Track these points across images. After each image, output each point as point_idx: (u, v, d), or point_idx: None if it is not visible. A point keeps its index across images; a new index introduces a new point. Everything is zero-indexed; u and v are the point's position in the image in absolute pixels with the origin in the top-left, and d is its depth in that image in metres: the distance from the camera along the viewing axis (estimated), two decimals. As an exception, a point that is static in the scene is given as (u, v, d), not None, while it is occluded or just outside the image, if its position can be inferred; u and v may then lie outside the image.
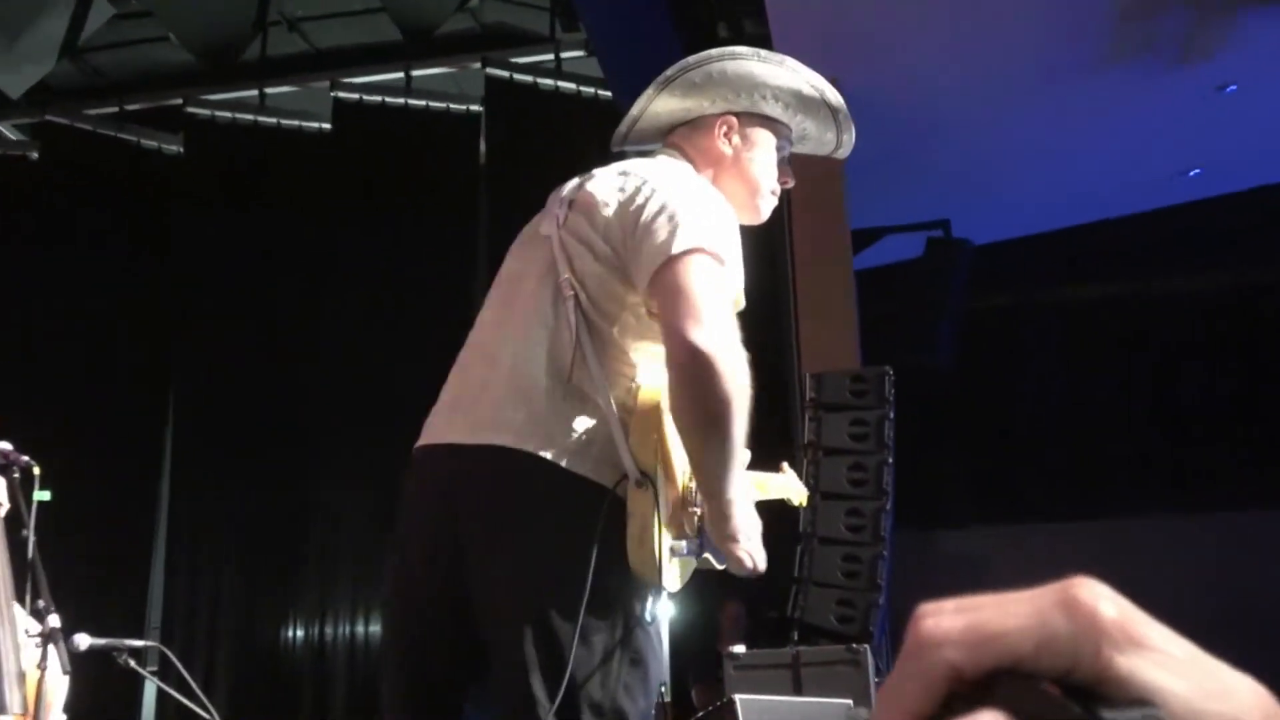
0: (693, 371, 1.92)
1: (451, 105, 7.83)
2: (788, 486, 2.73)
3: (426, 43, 7.39)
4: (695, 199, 2.09)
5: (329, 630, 7.18)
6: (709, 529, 2.05)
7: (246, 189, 7.84)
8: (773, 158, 2.34)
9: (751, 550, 2.06)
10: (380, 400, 7.15)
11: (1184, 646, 0.39)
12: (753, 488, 2.31)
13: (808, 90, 2.32)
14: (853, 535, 5.81)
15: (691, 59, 2.29)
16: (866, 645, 5.31)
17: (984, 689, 0.38)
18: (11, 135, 8.15)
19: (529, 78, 7.63)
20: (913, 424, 6.25)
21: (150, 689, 6.78)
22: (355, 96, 7.78)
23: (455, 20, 7.33)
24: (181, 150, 7.99)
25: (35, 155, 8.07)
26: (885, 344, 7.20)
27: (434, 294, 7.36)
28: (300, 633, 7.21)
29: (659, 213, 2.04)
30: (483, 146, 7.83)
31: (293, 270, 7.70)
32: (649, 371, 2.06)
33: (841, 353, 6.45)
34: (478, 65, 7.65)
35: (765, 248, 6.77)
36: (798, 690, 5.19)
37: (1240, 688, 0.39)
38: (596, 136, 7.68)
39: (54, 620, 3.30)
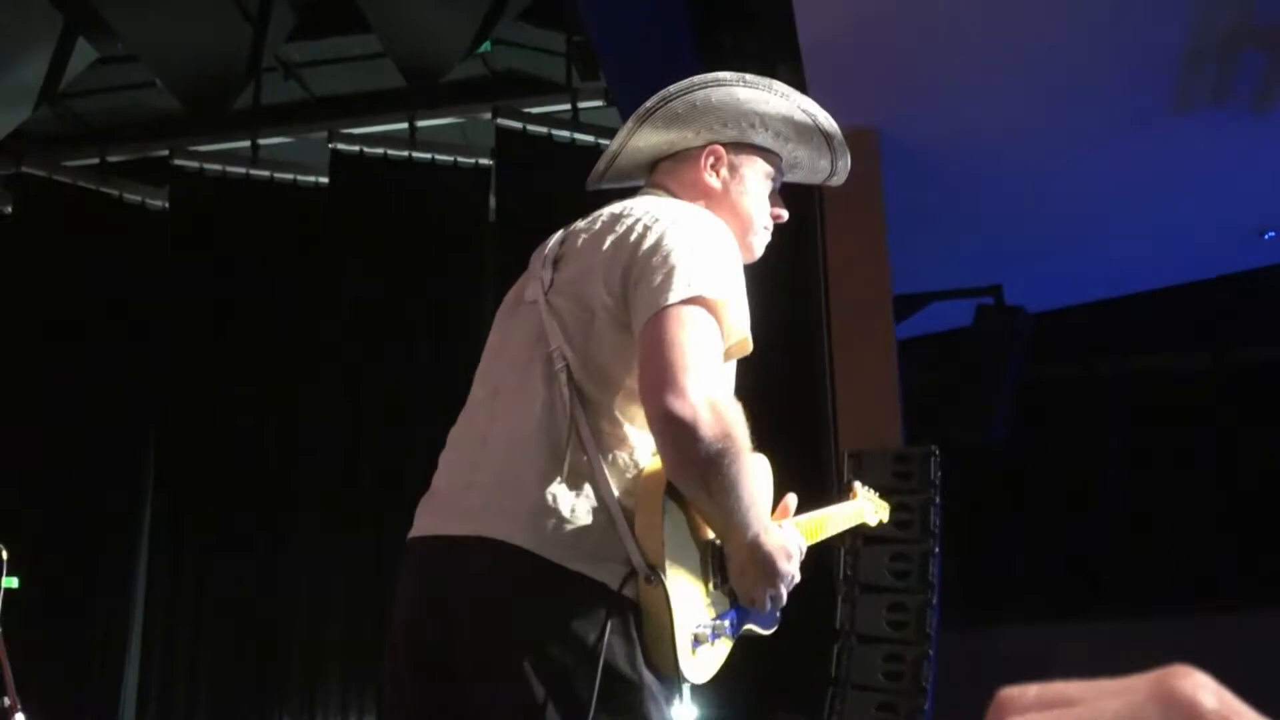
0: (671, 437, 1.92)
1: (459, 158, 7.88)
2: (860, 511, 2.72)
3: (433, 90, 7.46)
4: (696, 235, 2.07)
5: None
6: (736, 584, 2.05)
7: (236, 247, 7.88)
8: (765, 189, 2.34)
9: (778, 594, 2.07)
10: (377, 475, 7.14)
11: None
12: (805, 534, 2.30)
13: (799, 116, 2.31)
14: (895, 632, 5.73)
15: (673, 88, 2.29)
16: (911, 756, 5.24)
17: None
18: (-18, 188, 8.24)
19: (543, 129, 7.68)
20: (964, 509, 6.20)
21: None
22: (355, 148, 7.84)
23: (464, 67, 7.40)
24: (167, 205, 8.05)
25: (9, 209, 8.15)
26: (933, 421, 7.15)
27: (438, 363, 7.37)
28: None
29: (654, 254, 2.03)
30: (492, 202, 7.87)
31: (284, 336, 7.73)
32: (642, 437, 2.04)
33: (883, 430, 6.40)
34: (488, 115, 7.70)
35: (800, 313, 6.77)
36: (834, 802, 5.11)
37: None
38: (618, 192, 7.75)
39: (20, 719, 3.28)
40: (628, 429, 2.02)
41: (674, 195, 2.28)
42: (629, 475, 2.00)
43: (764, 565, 2.01)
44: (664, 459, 1.96)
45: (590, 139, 7.70)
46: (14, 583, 3.75)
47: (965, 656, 6.82)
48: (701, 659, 1.98)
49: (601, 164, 2.40)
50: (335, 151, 7.81)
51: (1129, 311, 8.93)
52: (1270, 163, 7.25)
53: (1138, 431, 9.31)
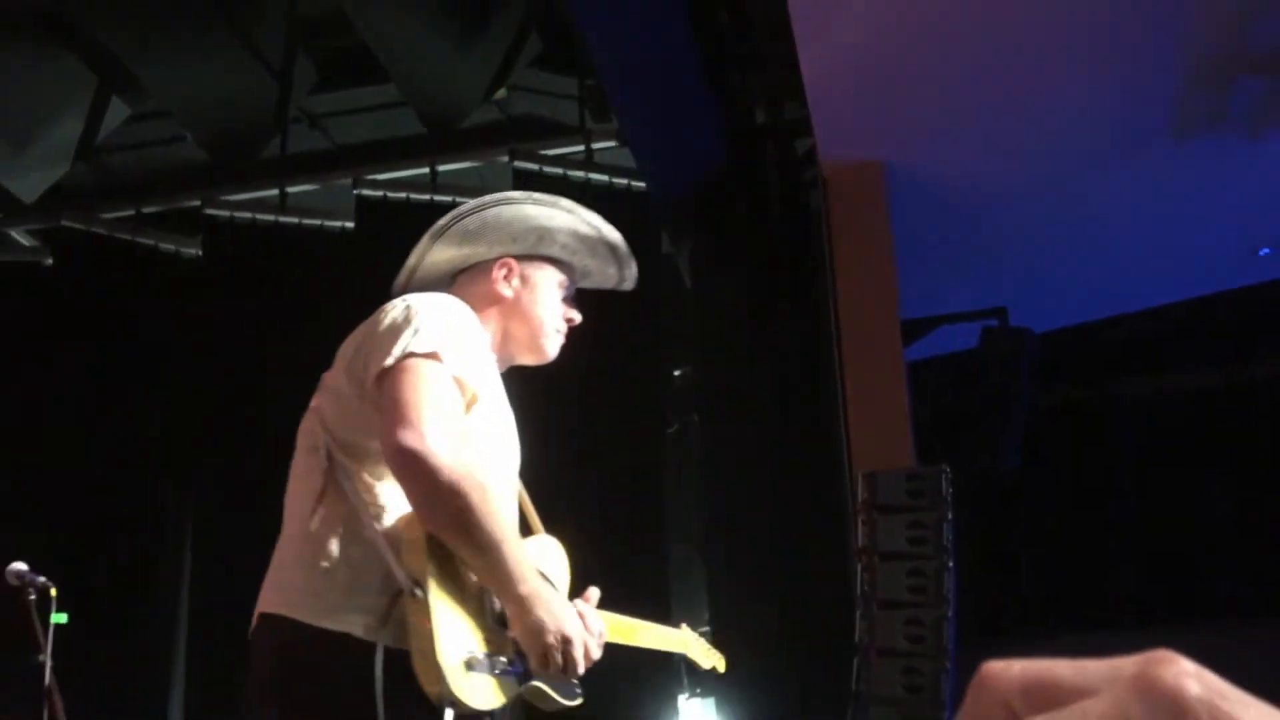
0: (409, 473, 2.01)
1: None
2: (684, 643, 2.84)
3: (451, 136, 7.60)
4: (426, 309, 2.20)
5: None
6: (517, 636, 2.10)
7: (268, 291, 8.01)
8: (556, 296, 2.50)
9: (563, 650, 2.09)
10: None
11: None
12: (620, 631, 2.45)
13: (585, 229, 2.50)
14: (913, 646, 5.79)
15: (465, 207, 2.43)
16: (932, 765, 5.29)
17: None
18: (24, 241, 8.40)
19: (559, 170, 7.82)
20: (977, 529, 6.26)
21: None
22: (379, 193, 7.97)
23: (481, 112, 7.54)
24: (200, 253, 8.19)
25: (49, 261, 8.30)
26: (943, 443, 7.23)
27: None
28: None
29: (387, 330, 2.18)
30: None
31: (317, 375, 7.83)
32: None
33: (895, 451, 6.49)
34: (505, 158, 7.84)
35: (812, 340, 6.87)
36: (858, 813, 5.16)
37: None
38: (630, 229, 7.87)
39: (73, 750, 3.36)
40: (380, 488, 2.12)
41: (471, 306, 2.38)
42: (391, 525, 2.09)
43: (529, 627, 2.07)
44: (410, 498, 2.05)
45: (605, 178, 7.84)
46: (63, 618, 3.83)
47: (972, 670, 6.87)
48: (478, 684, 2.01)
49: (402, 276, 2.49)
50: (360, 197, 7.94)
51: (1133, 329, 8.99)
52: (1264, 183, 7.33)
53: (1146, 447, 9.34)
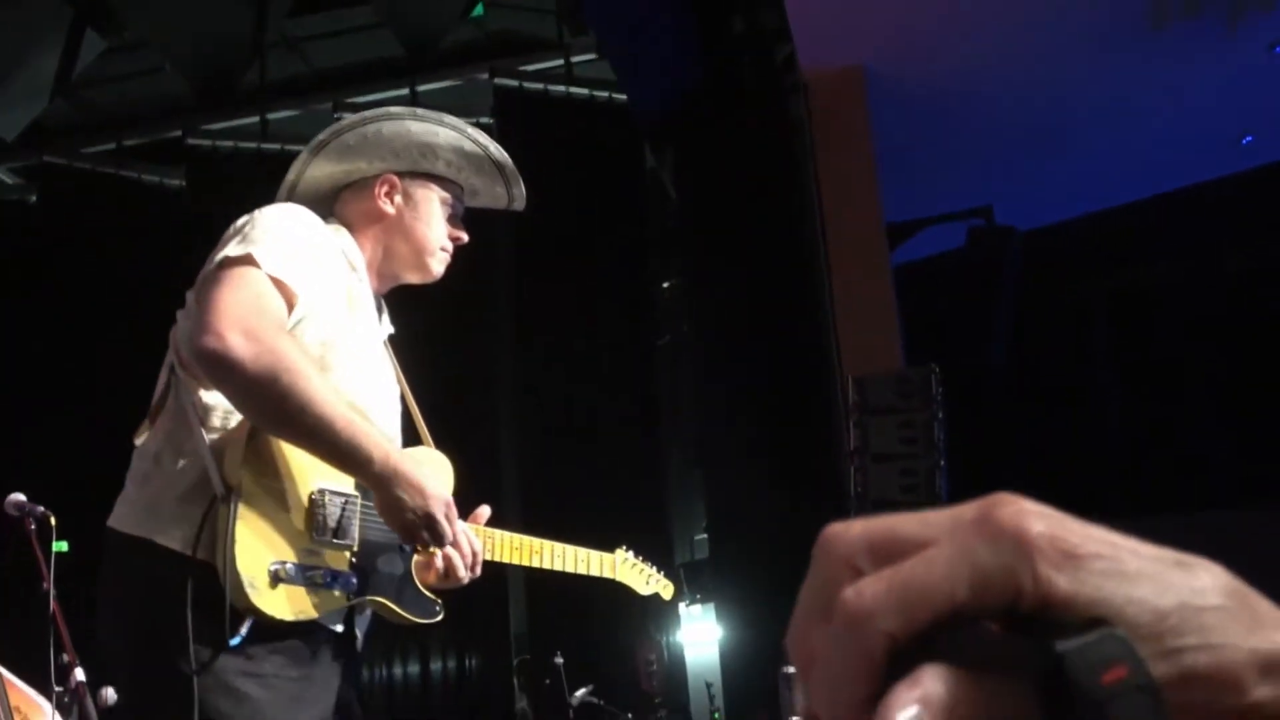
0: (215, 377, 1.98)
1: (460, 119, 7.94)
2: (613, 565, 2.76)
3: (430, 56, 7.51)
4: (262, 217, 2.14)
5: (365, 673, 7.29)
6: (388, 519, 2.06)
7: (253, 220, 7.96)
8: (440, 214, 2.42)
9: (426, 526, 2.05)
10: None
11: (1130, 546, 0.37)
12: (528, 553, 2.43)
13: (469, 147, 2.41)
14: (908, 544, 5.84)
15: (344, 122, 2.36)
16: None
17: (924, 642, 0.36)
18: (7, 179, 8.33)
19: (539, 85, 7.75)
20: (966, 427, 6.28)
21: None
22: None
23: (459, 32, 7.45)
24: (183, 184, 8.13)
25: (33, 199, 8.24)
26: (931, 344, 7.24)
27: (450, 320, 7.49)
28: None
29: (221, 242, 2.12)
30: (496, 161, 7.94)
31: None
32: None
33: (884, 354, 6.50)
34: (485, 76, 7.77)
35: (798, 249, 6.85)
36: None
37: (1196, 568, 0.37)
38: (612, 141, 7.82)
39: (79, 675, 3.38)
40: (209, 398, 2.08)
41: (351, 223, 2.35)
42: (219, 434, 2.06)
43: (393, 502, 2.02)
44: (230, 400, 2.01)
45: (585, 92, 7.78)
46: (64, 546, 3.84)
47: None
48: (285, 595, 1.97)
49: (281, 193, 2.40)
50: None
51: (1117, 223, 8.97)
52: (1244, 71, 7.28)
53: (1130, 340, 9.36)
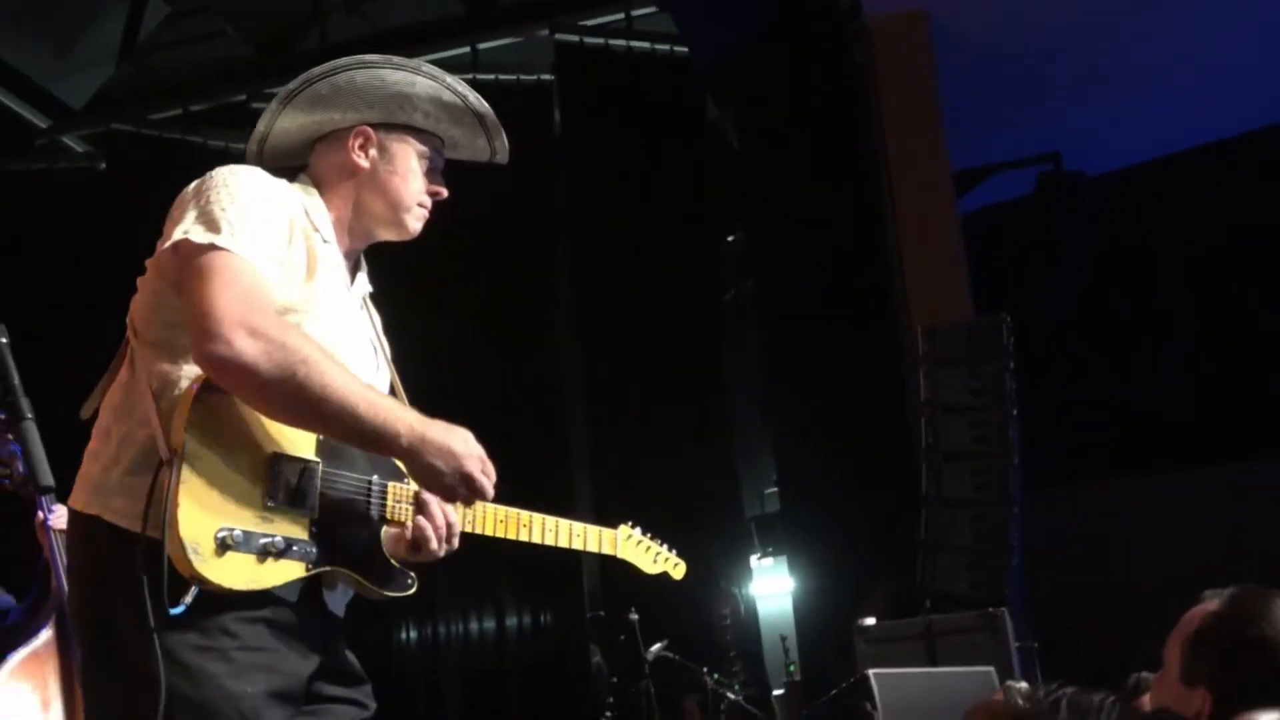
0: (229, 384, 1.92)
1: (521, 76, 7.89)
2: (614, 541, 2.62)
3: (491, 14, 7.46)
4: (214, 187, 2.04)
5: (440, 629, 7.34)
6: (424, 484, 2.03)
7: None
8: (417, 168, 2.30)
9: (466, 486, 2.01)
10: (448, 396, 7.18)
11: None
12: (517, 527, 2.32)
13: (447, 97, 2.29)
14: (979, 495, 5.78)
15: (317, 70, 2.23)
16: (1004, 609, 5.29)
17: None
18: (77, 147, 8.39)
19: (600, 40, 7.67)
20: (1035, 377, 6.19)
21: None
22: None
23: (519, -12, 7.41)
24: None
25: (103, 166, 8.29)
26: (1000, 293, 7.13)
27: (511, 278, 7.48)
28: (413, 634, 7.38)
29: (175, 208, 2.05)
30: (557, 116, 7.89)
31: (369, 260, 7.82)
32: (186, 355, 1.99)
33: (953, 304, 6.41)
34: (545, 32, 7.70)
35: (864, 198, 6.75)
36: (933, 661, 5.20)
37: None
38: (673, 95, 7.72)
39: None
40: (161, 366, 2.00)
41: (323, 177, 2.25)
42: (166, 400, 1.97)
43: (428, 470, 1.98)
44: (247, 401, 1.95)
45: (646, 45, 7.68)
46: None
47: (1048, 514, 6.85)
48: (234, 563, 1.88)
49: (252, 144, 2.29)
50: (403, 81, 7.81)
51: (1190, 166, 8.76)
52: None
53: (1201, 285, 9.17)
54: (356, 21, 7.95)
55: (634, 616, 5.79)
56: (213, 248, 1.93)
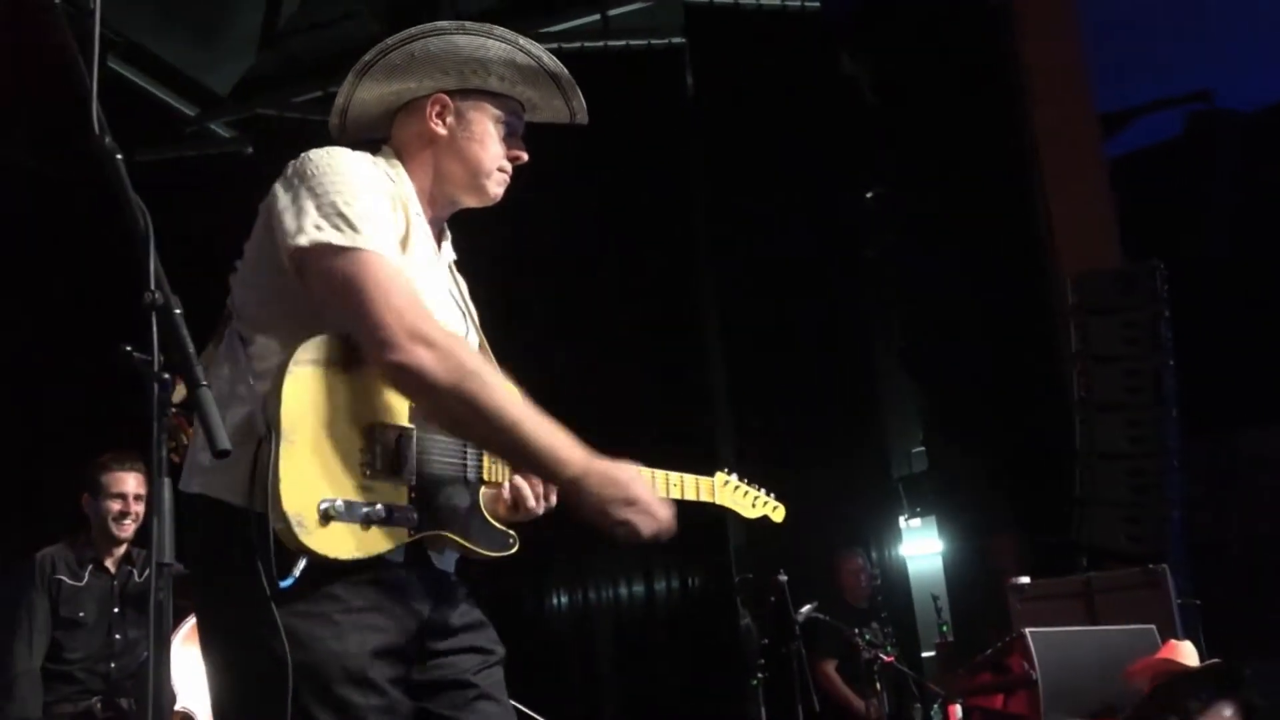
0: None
1: (652, 41, 7.84)
2: (712, 489, 2.59)
3: (619, -21, 7.44)
4: (327, 179, 2.04)
5: (591, 595, 7.40)
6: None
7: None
8: (494, 133, 2.27)
9: (632, 523, 2.02)
10: (587, 361, 7.19)
11: None
12: (658, 481, 2.31)
13: (521, 59, 2.26)
14: (1135, 448, 5.61)
15: (390, 40, 2.23)
16: (1165, 565, 5.13)
17: None
18: (225, 133, 8.60)
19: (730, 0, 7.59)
20: (1190, 320, 5.97)
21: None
22: (554, 45, 7.83)
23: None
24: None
25: (249, 150, 8.49)
26: (1151, 238, 6.89)
27: (650, 240, 7.47)
28: (564, 599, 7.46)
29: (285, 193, 2.05)
30: (689, 79, 7.82)
31: (504, 239, 7.87)
32: (296, 340, 1.99)
33: (1103, 251, 6.21)
34: (674, -5, 7.65)
35: (1006, 145, 6.57)
36: (1092, 619, 5.06)
37: None
38: (806, 50, 7.60)
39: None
40: (259, 342, 2.02)
41: (404, 146, 2.26)
42: (266, 376, 1.98)
43: (593, 506, 2.00)
44: (421, 409, 2.02)
45: (776, 2, 7.56)
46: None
47: (1207, 463, 6.62)
48: (338, 534, 1.92)
49: (334, 118, 2.33)
50: (532, 54, 7.81)
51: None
52: None
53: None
54: (487, -7, 7.97)
55: (784, 578, 5.75)
56: (357, 250, 1.96)
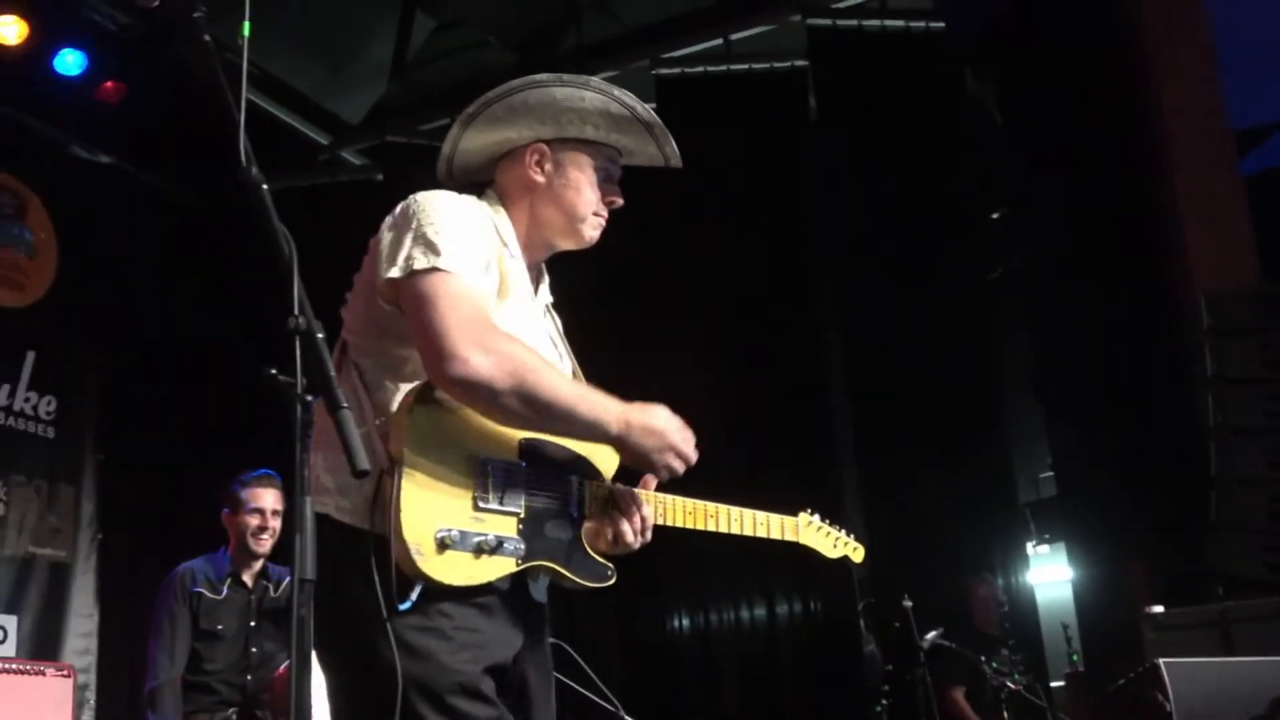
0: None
1: (775, 64, 7.85)
2: (795, 528, 2.68)
3: (742, 3, 7.45)
4: (430, 215, 2.17)
5: (712, 618, 7.38)
6: (643, 463, 2.25)
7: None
8: (591, 180, 2.41)
9: (677, 455, 2.26)
10: (705, 396, 7.19)
11: None
12: (675, 509, 2.43)
13: (615, 109, 2.39)
14: (1274, 473, 5.45)
15: (492, 93, 2.38)
16: (1306, 594, 4.98)
17: None
18: (355, 161, 8.80)
19: (853, 22, 7.55)
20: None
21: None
22: (677, 70, 7.89)
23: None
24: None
25: (380, 178, 8.68)
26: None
27: (770, 267, 7.46)
28: (685, 622, 7.45)
29: (391, 239, 2.18)
30: (812, 102, 7.81)
31: (631, 257, 7.91)
32: (400, 370, 2.17)
33: (1239, 270, 6.06)
34: (798, 18, 7.63)
35: (1136, 163, 6.45)
36: (1229, 650, 4.93)
37: None
38: (930, 72, 7.54)
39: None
40: (375, 373, 2.17)
41: (506, 193, 2.42)
42: (386, 408, 2.14)
43: (638, 450, 2.22)
44: (484, 414, 2.13)
45: (901, 24, 7.53)
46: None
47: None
48: (453, 561, 2.05)
49: (441, 165, 2.50)
50: (659, 78, 7.88)
51: None
52: None
53: None
54: (609, 20, 8.06)
55: (908, 604, 5.69)
56: (434, 270, 2.10)
